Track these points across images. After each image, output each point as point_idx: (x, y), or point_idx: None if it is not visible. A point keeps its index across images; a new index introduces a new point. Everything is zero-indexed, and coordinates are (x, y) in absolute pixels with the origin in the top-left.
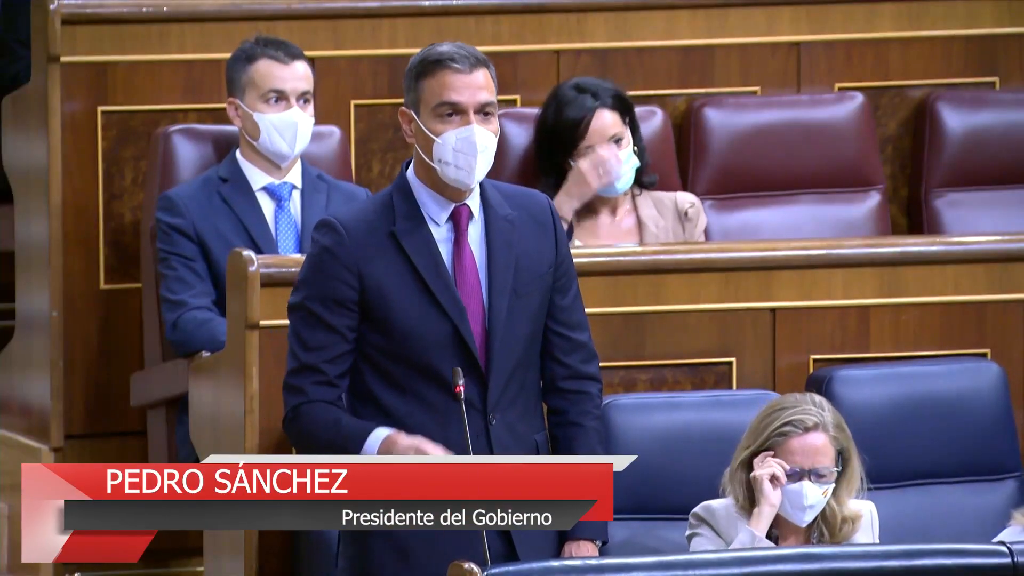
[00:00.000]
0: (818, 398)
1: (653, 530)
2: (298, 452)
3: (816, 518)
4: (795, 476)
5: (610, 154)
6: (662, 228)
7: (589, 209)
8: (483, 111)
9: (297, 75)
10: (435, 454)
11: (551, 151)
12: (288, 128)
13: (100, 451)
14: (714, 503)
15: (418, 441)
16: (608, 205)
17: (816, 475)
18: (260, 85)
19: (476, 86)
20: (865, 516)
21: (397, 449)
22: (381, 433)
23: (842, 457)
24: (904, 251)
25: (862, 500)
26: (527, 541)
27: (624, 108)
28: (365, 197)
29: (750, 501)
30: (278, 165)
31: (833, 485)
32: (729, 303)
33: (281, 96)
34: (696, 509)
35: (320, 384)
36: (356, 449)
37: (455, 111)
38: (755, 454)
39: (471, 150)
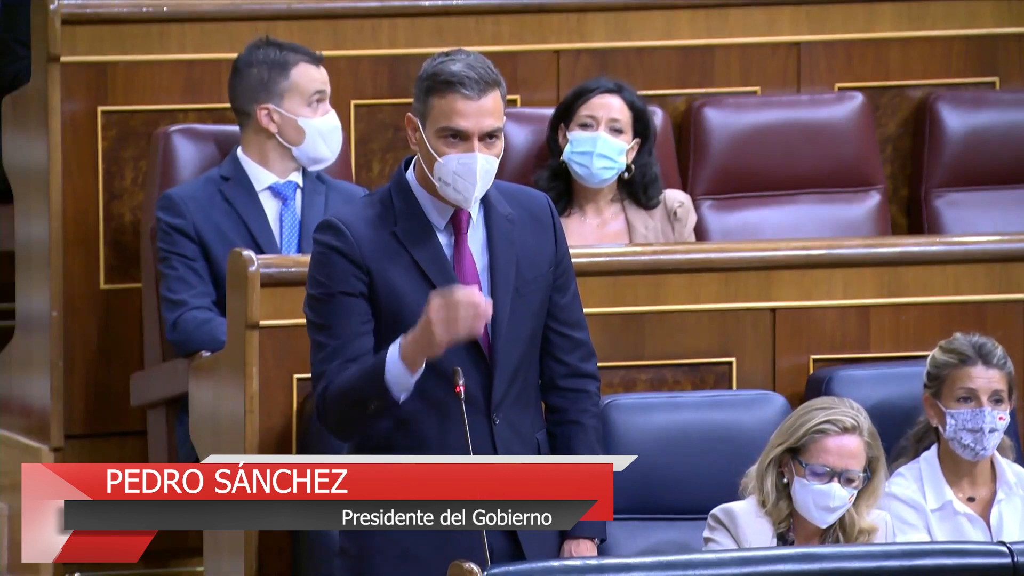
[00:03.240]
0: (855, 404)
1: (653, 530)
2: (340, 434)
3: (834, 525)
4: (825, 476)
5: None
6: (651, 229)
7: (575, 212)
8: (488, 136)
9: (326, 78)
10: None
11: (556, 117)
12: (333, 133)
13: (100, 451)
14: (735, 505)
15: (428, 311)
16: (595, 207)
17: (846, 478)
18: (305, 89)
19: (483, 113)
20: (881, 528)
21: (416, 328)
22: (394, 345)
23: (870, 466)
24: (904, 251)
25: (879, 510)
26: (532, 539)
27: (639, 118)
28: None
29: (778, 499)
30: (298, 167)
31: (856, 492)
32: (729, 303)
33: (322, 97)
34: (716, 511)
35: (346, 364)
36: (380, 367)
37: (459, 137)
38: (787, 452)
39: (471, 177)
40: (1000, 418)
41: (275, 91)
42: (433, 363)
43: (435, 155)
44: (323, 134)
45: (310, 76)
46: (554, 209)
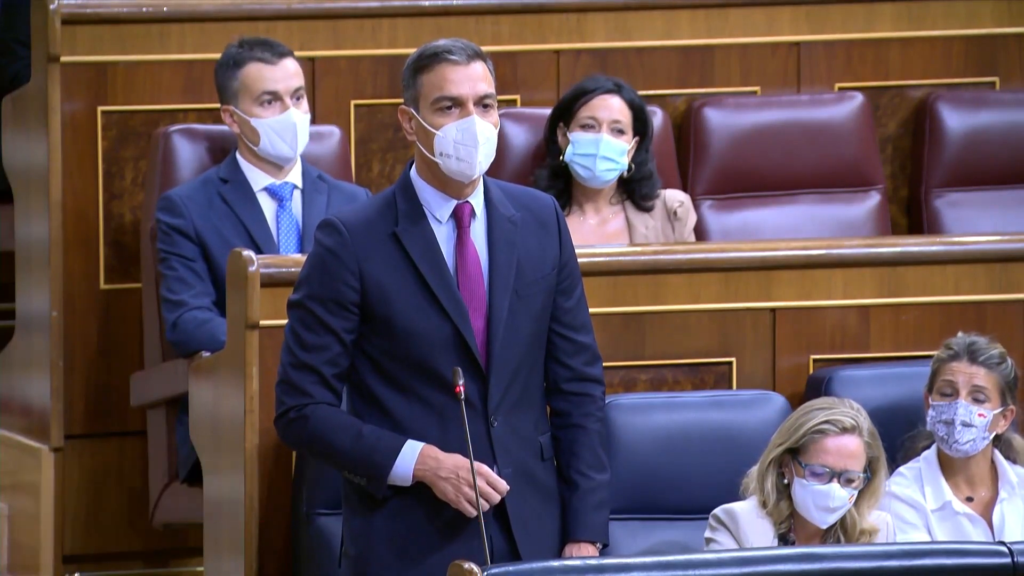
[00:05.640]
0: (855, 404)
1: (653, 530)
2: (300, 452)
3: (835, 525)
4: (825, 476)
5: None
6: (652, 228)
7: (575, 212)
8: (482, 103)
9: (288, 73)
10: (482, 472)
11: (554, 117)
12: (287, 130)
13: (100, 451)
14: (736, 506)
15: (462, 462)
16: (594, 207)
17: (846, 479)
18: (252, 89)
19: (474, 78)
20: (882, 529)
21: (441, 466)
22: (414, 448)
23: (871, 467)
24: (904, 251)
25: (880, 511)
26: (529, 539)
27: (638, 116)
28: (365, 197)
29: (779, 499)
30: (280, 167)
31: (856, 493)
32: (729, 303)
33: (275, 97)
34: (717, 511)
35: (320, 385)
36: (385, 462)
37: (454, 104)
38: (787, 452)
39: (472, 141)
40: (980, 415)
41: (230, 92)
42: (431, 366)
43: (433, 130)
44: (277, 132)
45: (258, 75)
46: (560, 212)
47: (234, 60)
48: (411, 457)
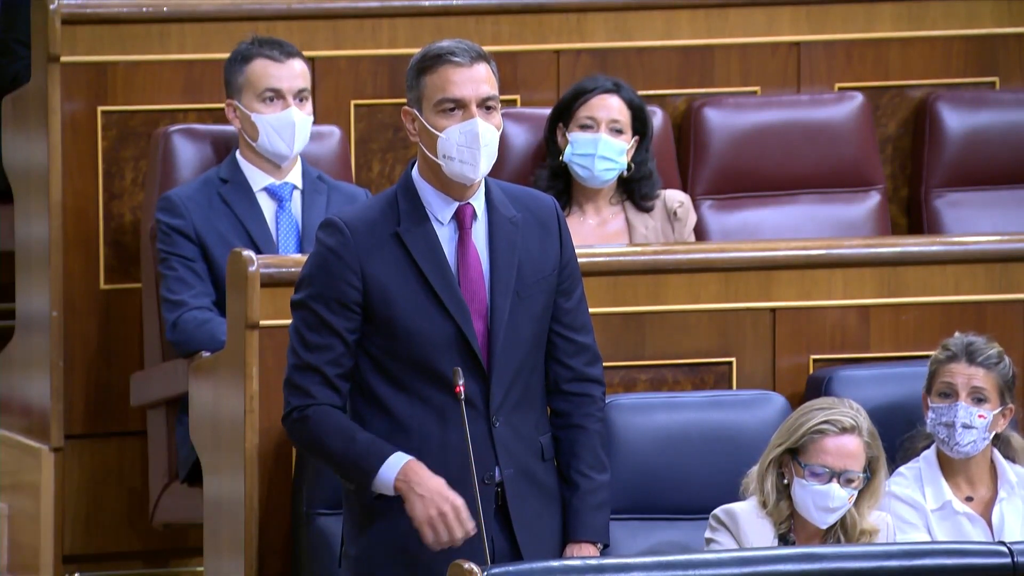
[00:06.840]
0: (855, 404)
1: (653, 530)
2: (301, 452)
3: (835, 525)
4: (824, 476)
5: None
6: (651, 229)
7: (575, 212)
8: (485, 105)
9: (293, 73)
10: (457, 504)
11: (554, 117)
12: (286, 128)
13: (100, 451)
14: (736, 506)
15: (442, 488)
16: (594, 207)
17: (845, 479)
18: (256, 85)
19: (477, 80)
20: (882, 529)
21: (421, 483)
22: (401, 458)
23: (871, 467)
24: (904, 251)
25: (880, 511)
26: (530, 539)
27: (637, 116)
28: (365, 197)
29: (778, 499)
30: (278, 165)
31: (856, 493)
32: (729, 303)
33: (278, 95)
34: (717, 511)
35: (323, 385)
36: (371, 468)
37: (457, 106)
38: (787, 452)
39: (474, 144)
40: (980, 416)
41: (235, 86)
42: (432, 366)
43: (436, 132)
44: (276, 129)
45: (263, 72)
46: (561, 213)
47: (242, 55)
48: (395, 467)
